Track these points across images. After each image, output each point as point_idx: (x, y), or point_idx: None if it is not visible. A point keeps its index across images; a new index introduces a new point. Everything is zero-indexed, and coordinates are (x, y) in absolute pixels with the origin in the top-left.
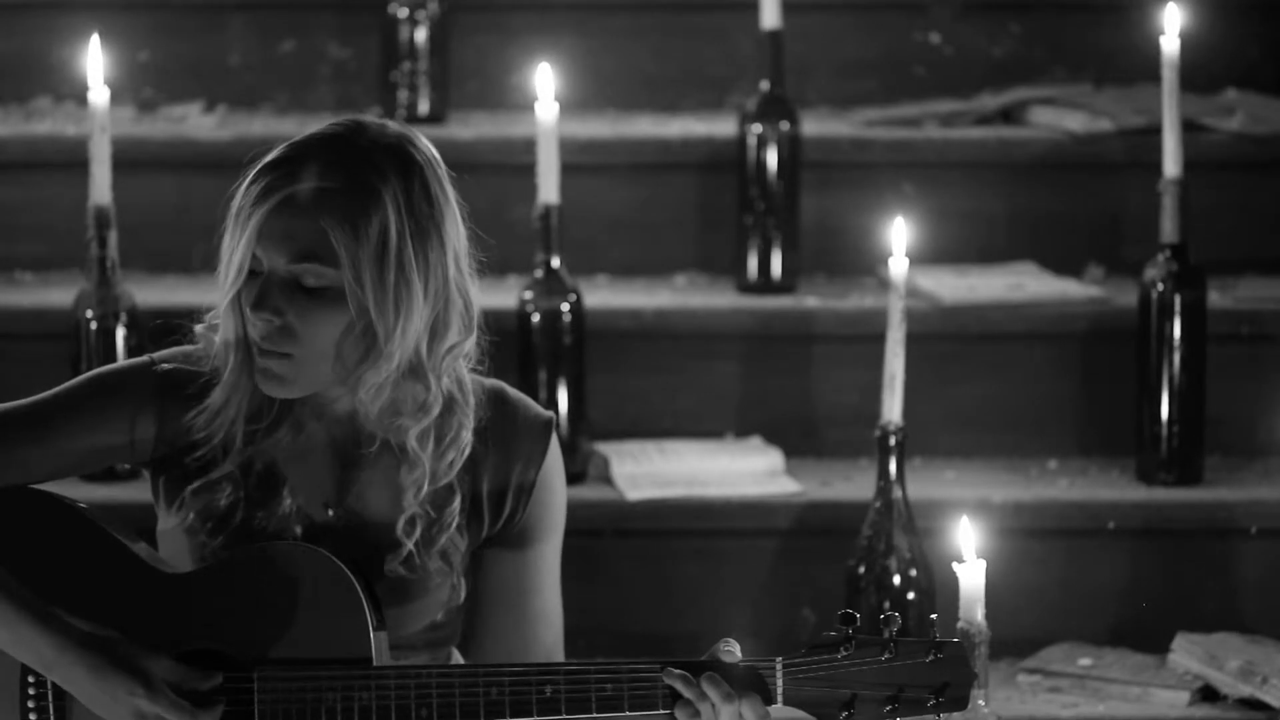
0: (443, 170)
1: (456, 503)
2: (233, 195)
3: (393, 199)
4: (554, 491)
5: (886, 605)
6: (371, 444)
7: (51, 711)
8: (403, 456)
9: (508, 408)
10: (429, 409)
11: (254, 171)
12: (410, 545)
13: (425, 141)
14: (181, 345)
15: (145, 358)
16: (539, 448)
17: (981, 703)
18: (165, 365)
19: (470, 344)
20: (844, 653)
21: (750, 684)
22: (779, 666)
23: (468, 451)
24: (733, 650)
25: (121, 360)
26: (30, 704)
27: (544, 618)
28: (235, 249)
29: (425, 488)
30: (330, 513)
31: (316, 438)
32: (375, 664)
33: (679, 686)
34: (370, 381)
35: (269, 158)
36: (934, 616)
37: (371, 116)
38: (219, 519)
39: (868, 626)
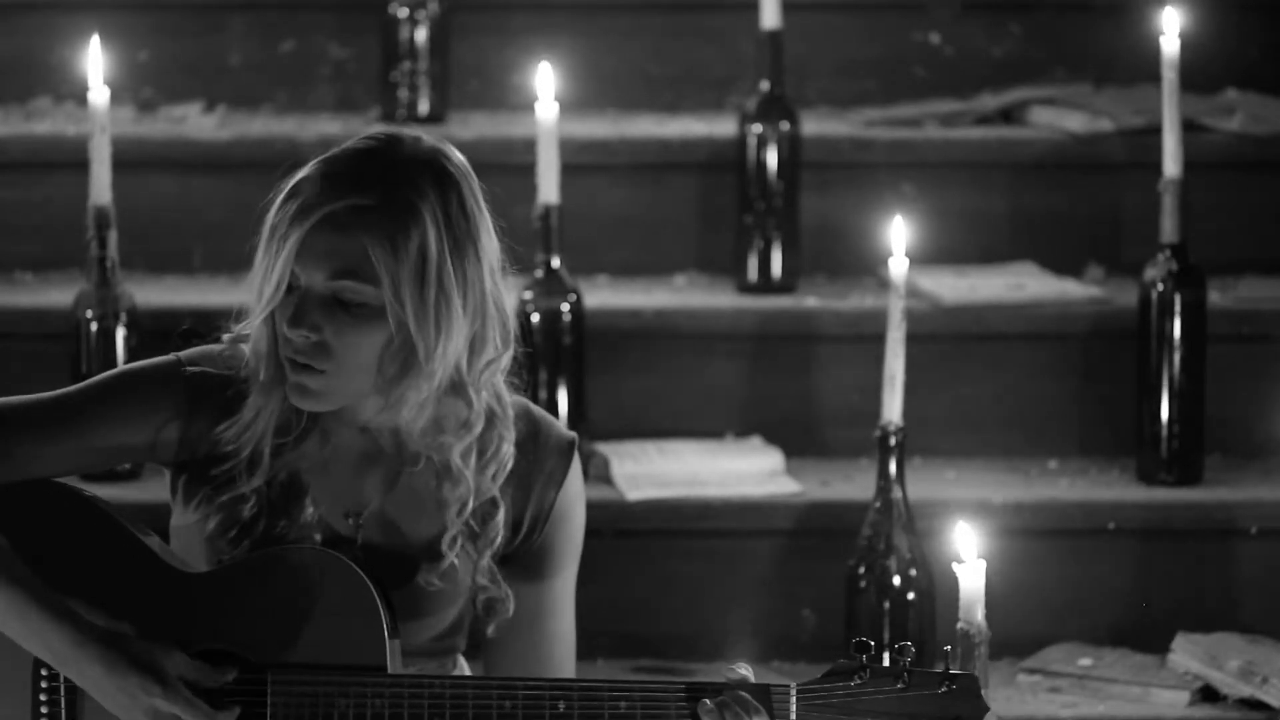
0: (476, 183)
1: (500, 516)
2: (265, 209)
3: (431, 215)
4: (574, 513)
5: (887, 605)
6: (416, 463)
7: (63, 706)
8: (445, 474)
9: (532, 425)
10: (472, 426)
11: (289, 187)
12: (453, 559)
13: (459, 154)
14: (208, 345)
15: (172, 357)
16: (560, 467)
17: None
18: (193, 368)
19: (508, 358)
20: (858, 681)
21: (765, 709)
22: (793, 692)
23: (510, 465)
24: (745, 669)
25: (148, 360)
26: (42, 697)
27: (559, 638)
28: (273, 266)
29: (471, 504)
30: (351, 522)
31: (342, 448)
32: (389, 672)
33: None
34: (412, 400)
35: (304, 173)
36: (948, 649)
37: (406, 130)
38: (242, 527)
39: (878, 647)
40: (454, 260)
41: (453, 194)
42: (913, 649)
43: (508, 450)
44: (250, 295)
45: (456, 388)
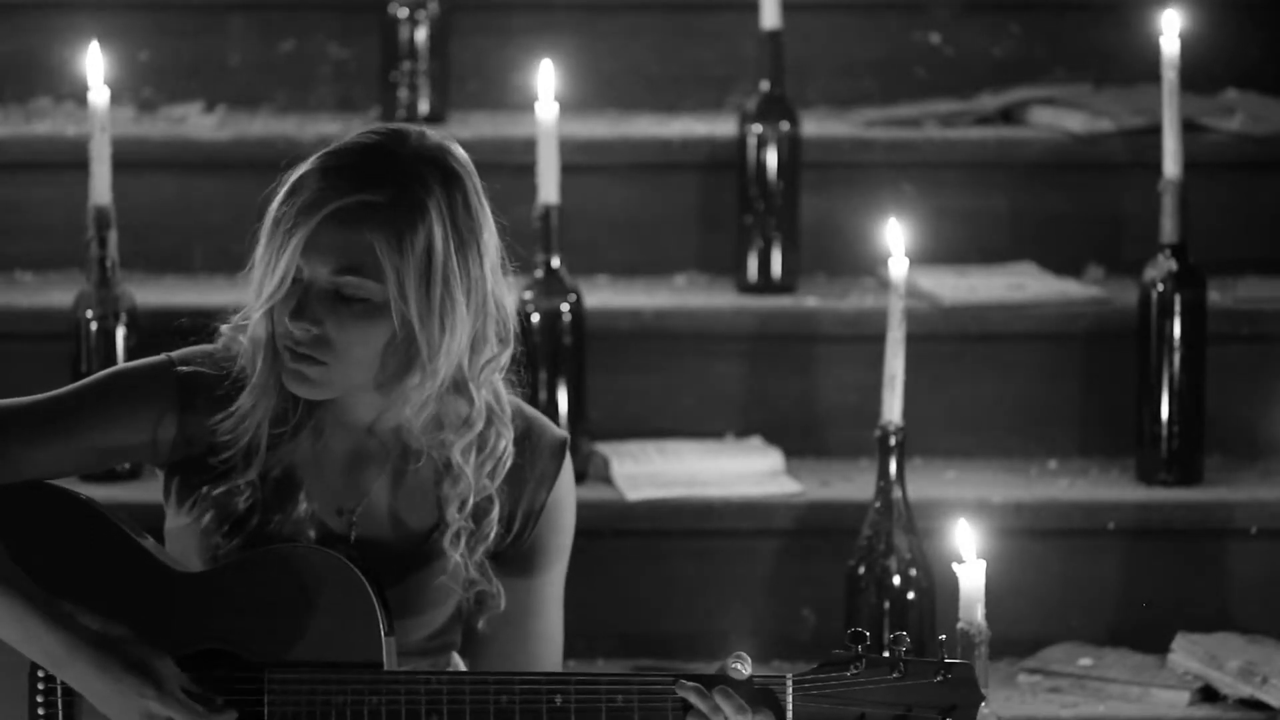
0: (479, 180)
1: (495, 513)
2: (267, 202)
3: (438, 212)
4: (564, 513)
5: (887, 605)
6: (418, 460)
7: (60, 710)
8: (446, 471)
9: (525, 425)
10: (473, 423)
11: (293, 180)
12: (456, 557)
13: (462, 151)
14: (201, 345)
15: (164, 357)
16: (553, 468)
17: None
18: (185, 367)
19: (507, 356)
20: (853, 671)
21: (761, 699)
22: (789, 683)
23: (509, 463)
24: (743, 660)
25: (140, 360)
26: (39, 699)
27: (545, 637)
28: (278, 260)
29: (471, 501)
30: (343, 519)
31: (336, 444)
32: (386, 669)
33: (693, 699)
34: (415, 399)
35: (309, 166)
36: (943, 637)
37: (411, 126)
38: (235, 522)
39: (873, 640)
40: (459, 258)
41: (458, 191)
42: (908, 638)
43: (506, 448)
44: (250, 288)
45: (458, 385)
